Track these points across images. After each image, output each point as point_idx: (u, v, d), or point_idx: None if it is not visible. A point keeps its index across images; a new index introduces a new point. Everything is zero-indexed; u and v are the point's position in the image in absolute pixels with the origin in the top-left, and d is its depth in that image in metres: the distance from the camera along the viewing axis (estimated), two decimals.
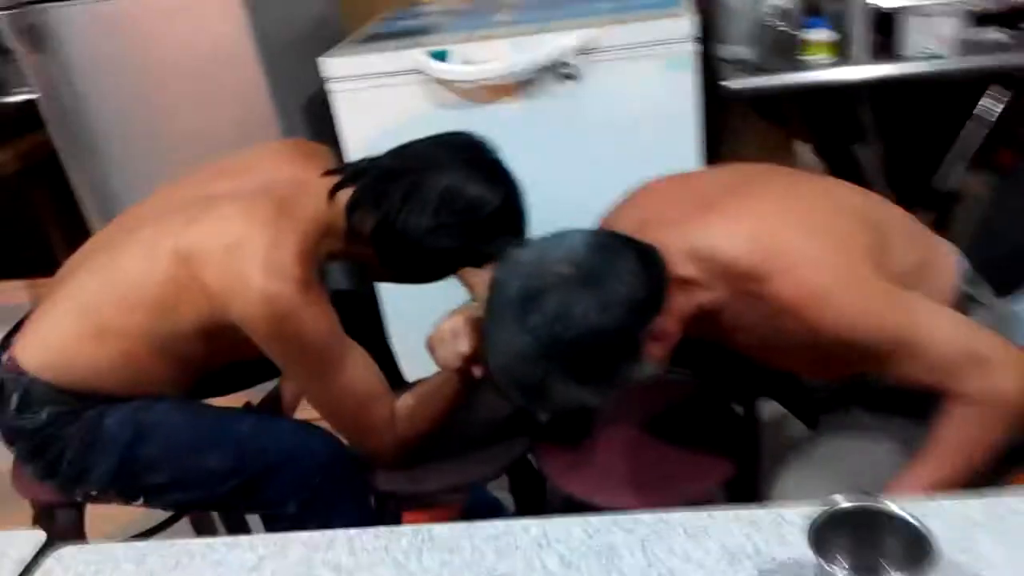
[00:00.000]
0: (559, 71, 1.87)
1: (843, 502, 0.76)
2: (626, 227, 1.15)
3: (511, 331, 1.04)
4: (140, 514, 1.37)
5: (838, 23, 2.03)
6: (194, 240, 1.23)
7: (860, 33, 1.99)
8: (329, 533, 0.91)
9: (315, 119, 2.18)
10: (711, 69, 2.07)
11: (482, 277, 1.34)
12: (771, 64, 2.01)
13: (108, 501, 1.35)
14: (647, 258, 1.08)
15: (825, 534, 0.74)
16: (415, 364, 1.46)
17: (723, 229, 1.13)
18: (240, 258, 1.19)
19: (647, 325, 1.06)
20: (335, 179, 1.30)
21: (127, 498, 1.33)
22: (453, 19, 2.23)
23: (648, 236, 1.11)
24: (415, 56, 1.91)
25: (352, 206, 1.28)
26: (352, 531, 0.91)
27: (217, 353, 1.32)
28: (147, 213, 1.36)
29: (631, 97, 1.89)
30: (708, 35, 2.12)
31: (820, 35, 2.01)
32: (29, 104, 2.17)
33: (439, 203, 1.25)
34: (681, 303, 1.12)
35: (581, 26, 1.88)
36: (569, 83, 1.90)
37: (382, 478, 1.38)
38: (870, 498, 0.76)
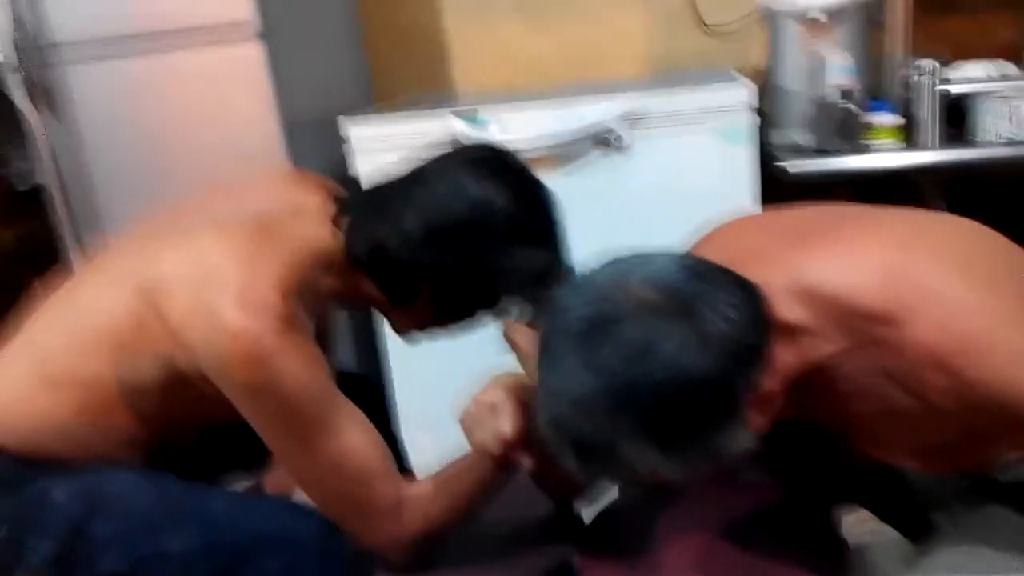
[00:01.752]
0: (604, 141, 1.72)
1: None
2: None
3: (571, 369, 0.78)
4: None
5: (905, 108, 1.89)
6: (160, 271, 1.03)
7: (929, 117, 1.84)
8: None
9: None
10: (766, 156, 1.92)
11: (532, 335, 1.10)
12: (832, 147, 1.85)
13: None
14: (750, 293, 0.84)
15: None
16: (428, 462, 1.22)
17: (842, 260, 0.88)
18: (209, 289, 0.98)
19: (752, 379, 0.81)
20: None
21: None
22: (493, 95, 2.12)
23: (743, 272, 0.88)
24: (447, 121, 1.77)
25: (349, 232, 1.08)
26: None
27: (189, 413, 1.08)
28: (120, 247, 1.17)
29: (682, 170, 1.73)
30: (764, 121, 1.99)
31: (885, 119, 1.86)
32: (38, 189, 2.03)
33: (432, 210, 1.04)
34: (784, 358, 0.87)
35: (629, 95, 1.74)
36: (615, 155, 1.74)
37: None
38: None
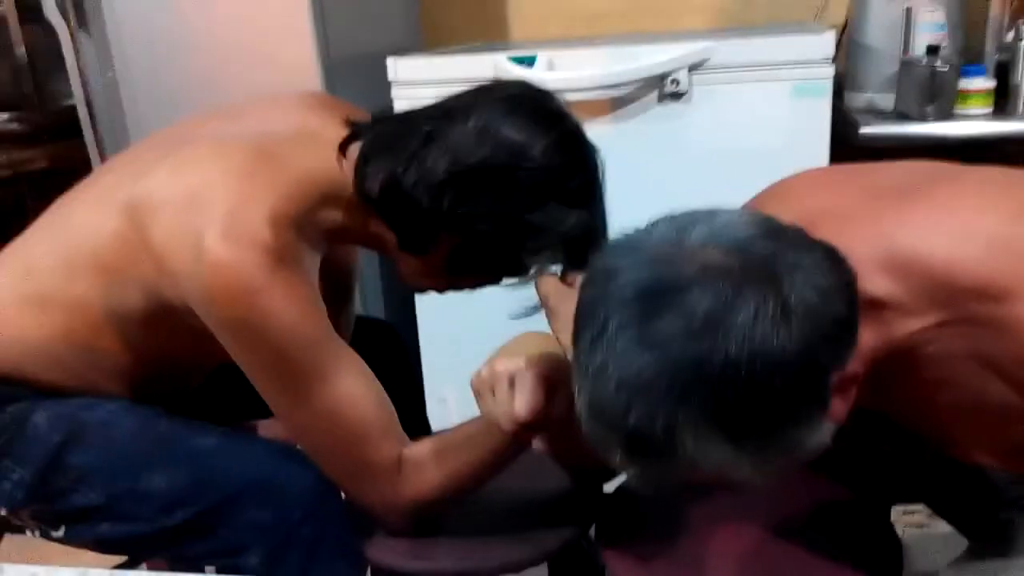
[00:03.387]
0: (664, 88, 1.58)
1: None
2: None
3: (622, 345, 0.65)
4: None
5: (999, 73, 1.71)
6: (146, 189, 0.94)
7: None
8: None
9: None
10: (838, 119, 1.76)
11: (566, 293, 0.95)
12: (913, 111, 1.67)
13: (22, 528, 1.01)
14: (835, 257, 0.70)
15: None
16: (453, 420, 1.11)
17: (940, 224, 0.75)
18: (196, 211, 0.89)
19: (843, 361, 0.68)
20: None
21: (45, 524, 0.99)
22: (550, 43, 1.98)
23: (816, 236, 0.74)
24: (495, 61, 1.64)
25: (361, 163, 0.96)
26: None
27: (182, 348, 1.00)
28: (116, 163, 1.08)
29: (749, 125, 1.58)
30: (840, 82, 1.82)
31: (978, 84, 1.68)
32: (71, 110, 1.96)
33: (458, 149, 0.91)
34: (868, 338, 0.73)
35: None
36: (675, 104, 1.59)
37: (377, 547, 1.00)
38: None
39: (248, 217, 0.87)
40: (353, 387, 0.92)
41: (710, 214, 0.71)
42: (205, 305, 0.89)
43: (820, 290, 0.65)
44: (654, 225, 0.72)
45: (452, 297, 1.15)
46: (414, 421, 1.31)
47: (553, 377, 0.86)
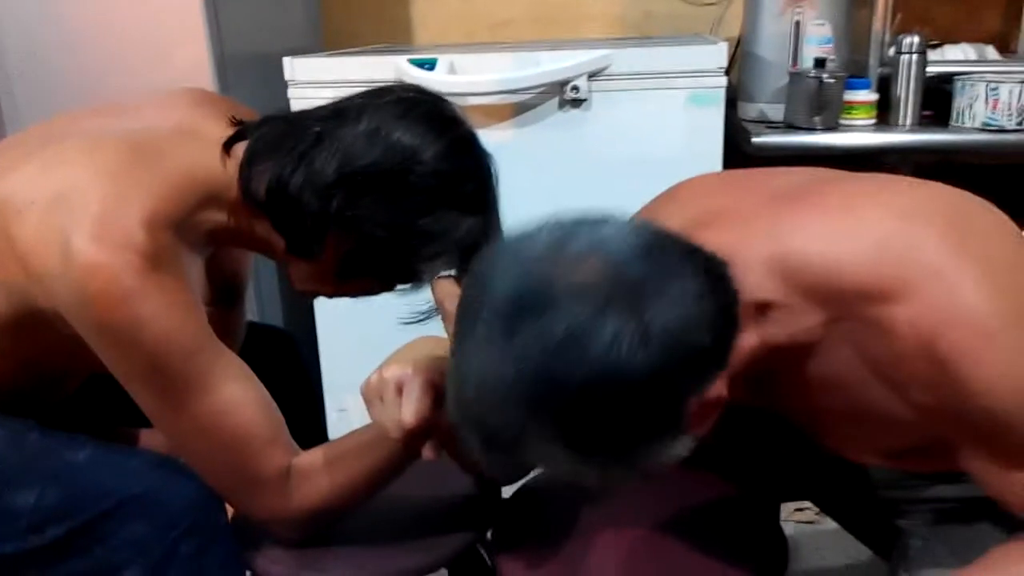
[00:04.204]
0: (565, 95, 1.59)
1: None
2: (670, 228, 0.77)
3: (485, 353, 0.66)
4: None
5: (882, 87, 1.78)
6: (13, 188, 0.89)
7: (908, 96, 1.74)
8: None
9: None
10: (732, 128, 1.81)
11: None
12: (802, 122, 1.74)
13: None
14: (716, 278, 0.70)
15: None
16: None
17: (831, 225, 0.75)
18: (64, 213, 0.84)
19: (703, 387, 0.68)
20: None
21: None
22: (452, 48, 1.98)
23: (704, 239, 0.73)
24: (395, 63, 1.62)
25: (246, 163, 0.93)
26: None
27: (50, 354, 0.94)
28: None
29: (647, 132, 1.60)
30: (733, 93, 1.88)
31: (862, 96, 1.75)
32: None
33: (347, 151, 0.89)
34: (749, 340, 0.74)
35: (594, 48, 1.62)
36: (575, 111, 1.61)
37: (266, 558, 0.97)
38: None
39: (121, 218, 0.83)
40: (235, 394, 0.89)
41: (594, 224, 0.70)
42: (75, 311, 0.84)
43: (685, 318, 0.65)
44: (540, 229, 0.71)
45: (352, 305, 1.12)
46: (311, 431, 1.28)
47: (441, 383, 0.85)
